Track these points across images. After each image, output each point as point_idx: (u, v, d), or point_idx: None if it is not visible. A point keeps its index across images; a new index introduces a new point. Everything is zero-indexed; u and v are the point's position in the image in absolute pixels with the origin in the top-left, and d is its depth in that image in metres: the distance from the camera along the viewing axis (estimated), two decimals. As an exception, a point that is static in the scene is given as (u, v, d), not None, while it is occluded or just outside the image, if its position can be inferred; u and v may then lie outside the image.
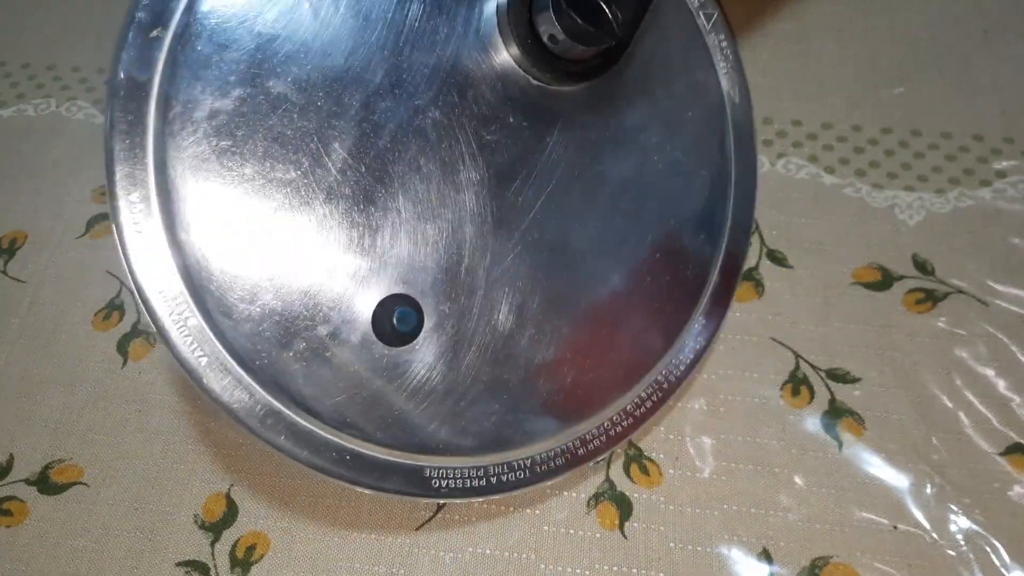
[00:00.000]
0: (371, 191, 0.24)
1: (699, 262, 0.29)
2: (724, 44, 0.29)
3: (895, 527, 0.32)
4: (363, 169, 0.24)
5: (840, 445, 0.33)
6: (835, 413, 0.34)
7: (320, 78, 0.23)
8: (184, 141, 0.22)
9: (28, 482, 0.34)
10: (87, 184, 0.42)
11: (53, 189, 0.42)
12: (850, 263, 0.38)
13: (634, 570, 0.31)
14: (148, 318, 0.23)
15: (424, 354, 0.25)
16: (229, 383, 0.24)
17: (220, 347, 0.23)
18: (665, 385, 0.28)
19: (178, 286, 0.23)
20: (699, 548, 0.31)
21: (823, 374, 0.35)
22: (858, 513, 0.32)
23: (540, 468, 0.27)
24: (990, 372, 0.35)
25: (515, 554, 0.31)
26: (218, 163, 0.23)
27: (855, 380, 0.35)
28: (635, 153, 0.28)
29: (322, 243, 0.24)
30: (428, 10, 0.25)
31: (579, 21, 0.24)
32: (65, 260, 0.40)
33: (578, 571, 0.31)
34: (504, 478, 0.27)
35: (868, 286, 0.37)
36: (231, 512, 0.33)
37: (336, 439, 0.25)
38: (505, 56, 0.25)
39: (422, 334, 0.25)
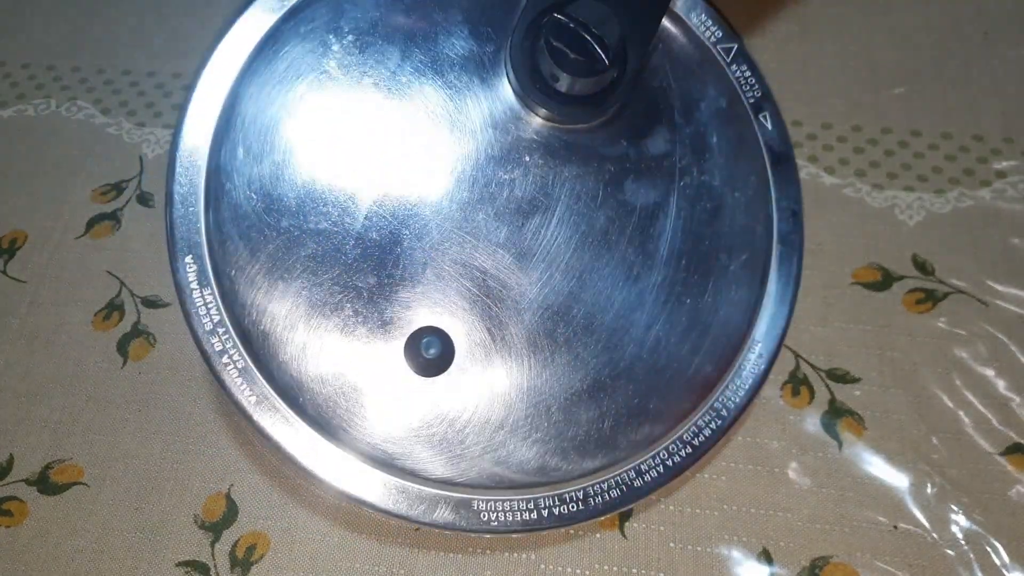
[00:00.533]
0: (397, 233, 0.26)
1: (746, 283, 0.27)
2: (748, 74, 0.29)
3: (895, 527, 0.32)
4: (388, 214, 0.26)
5: (840, 445, 0.33)
6: (835, 413, 0.34)
7: (345, 135, 0.26)
8: (227, 201, 0.25)
9: (28, 482, 0.34)
10: (87, 184, 0.42)
11: (53, 189, 0.42)
12: (850, 263, 0.38)
13: (634, 570, 0.31)
14: (204, 362, 0.25)
15: (459, 384, 0.26)
16: (277, 419, 0.25)
17: (267, 386, 0.25)
18: (724, 412, 0.27)
19: (230, 333, 0.25)
20: (699, 548, 0.31)
21: (823, 374, 0.35)
22: (858, 513, 0.32)
23: (594, 500, 0.26)
24: (990, 372, 0.35)
25: (515, 554, 0.31)
26: (258, 219, 0.25)
27: (855, 380, 0.35)
28: (660, 180, 0.27)
29: (353, 283, 0.25)
30: (435, 65, 0.27)
31: (570, 54, 0.25)
32: (65, 260, 0.40)
33: (578, 571, 0.31)
34: (556, 511, 0.26)
35: (868, 286, 0.37)
36: (231, 512, 0.33)
37: (380, 472, 0.25)
38: (513, 100, 0.27)
39: (455, 364, 0.26)
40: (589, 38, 0.25)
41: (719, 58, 0.28)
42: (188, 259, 0.26)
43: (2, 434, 0.35)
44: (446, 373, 0.26)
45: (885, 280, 0.37)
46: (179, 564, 0.32)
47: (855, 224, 0.39)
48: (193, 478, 0.33)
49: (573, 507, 0.26)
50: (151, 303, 0.38)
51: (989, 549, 0.31)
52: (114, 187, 0.42)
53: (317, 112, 0.26)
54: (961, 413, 0.34)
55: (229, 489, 0.33)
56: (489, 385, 0.26)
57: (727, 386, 0.27)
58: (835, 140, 0.42)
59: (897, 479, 0.33)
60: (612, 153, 0.27)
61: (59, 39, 0.48)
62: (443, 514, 0.25)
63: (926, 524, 0.32)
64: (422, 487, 0.25)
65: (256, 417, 0.25)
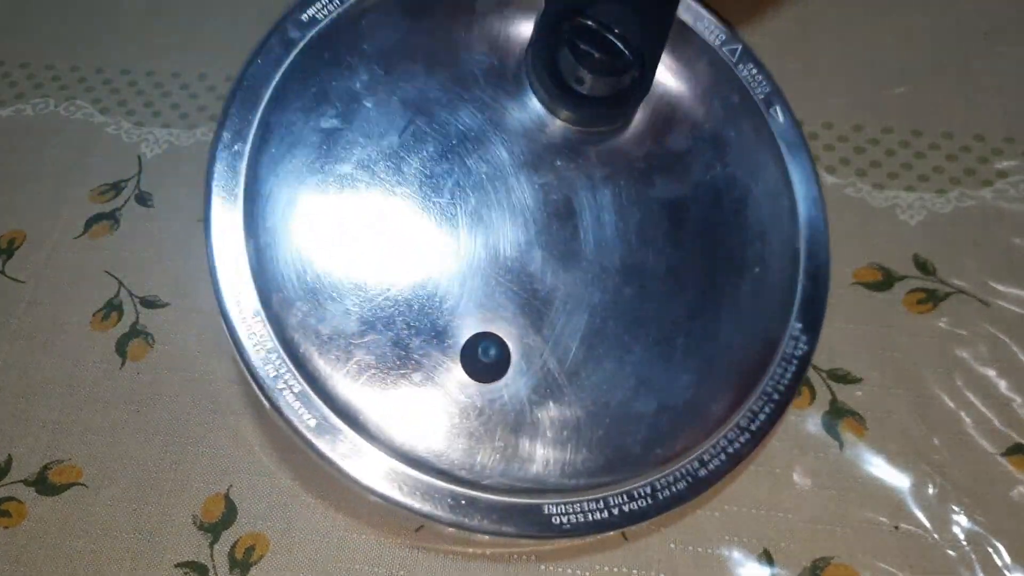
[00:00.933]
0: (440, 245, 0.26)
1: (779, 268, 0.28)
2: (755, 72, 0.30)
3: (896, 527, 0.31)
4: (429, 228, 0.26)
5: (841, 445, 0.33)
6: (836, 413, 0.34)
7: (379, 155, 0.26)
8: (265, 226, 0.26)
9: (26, 483, 0.34)
10: (85, 184, 0.42)
11: (51, 189, 0.42)
12: (851, 263, 0.38)
13: (634, 571, 0.31)
14: (257, 391, 0.25)
15: (517, 387, 0.26)
16: (337, 440, 0.25)
17: (325, 408, 0.25)
18: (776, 396, 0.27)
19: (281, 356, 0.25)
20: (700, 549, 0.31)
21: (824, 374, 0.35)
22: (859, 513, 0.32)
23: (662, 495, 0.26)
24: (991, 372, 0.35)
25: (516, 554, 0.31)
26: (301, 239, 0.26)
27: (856, 380, 0.35)
28: (686, 175, 0.28)
29: (402, 298, 0.26)
30: (462, 83, 0.27)
31: (597, 55, 0.26)
32: (63, 260, 0.39)
33: (579, 572, 0.31)
34: (626, 508, 0.26)
35: (869, 286, 0.37)
36: (230, 513, 0.33)
37: (448, 485, 0.25)
38: (538, 107, 0.27)
39: (512, 368, 0.26)
40: (612, 38, 0.26)
41: (726, 60, 0.29)
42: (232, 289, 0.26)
43: (0, 434, 0.35)
44: (504, 378, 0.26)
45: (886, 280, 0.37)
46: (178, 565, 0.32)
47: (856, 224, 0.39)
48: (192, 479, 0.33)
49: (643, 503, 0.26)
50: (150, 303, 0.38)
51: (991, 550, 0.31)
52: (112, 187, 0.42)
53: (353, 129, 0.27)
54: (962, 413, 0.34)
55: (228, 490, 0.33)
56: (547, 386, 0.26)
57: (774, 369, 0.27)
58: (836, 139, 0.42)
59: (898, 480, 0.32)
60: (638, 152, 0.28)
61: (57, 39, 0.48)
62: (515, 522, 0.25)
63: (927, 525, 0.31)
64: (491, 496, 0.25)
65: (317, 442, 0.25)
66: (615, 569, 0.31)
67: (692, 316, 0.27)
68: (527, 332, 0.26)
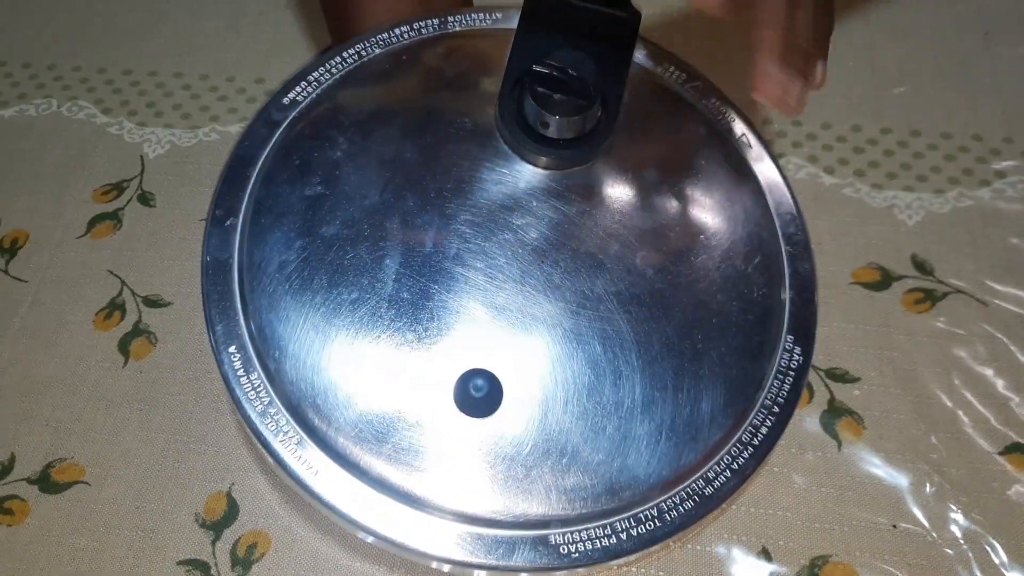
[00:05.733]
0: (426, 289, 0.27)
1: (763, 283, 0.28)
2: (717, 104, 0.31)
3: (894, 526, 0.32)
4: (415, 274, 0.27)
5: (839, 444, 0.33)
6: (834, 413, 0.34)
7: (362, 214, 0.28)
8: (262, 291, 0.27)
9: (29, 481, 0.34)
10: (88, 184, 0.42)
11: (54, 189, 0.42)
12: (849, 263, 0.38)
13: (633, 569, 0.31)
14: (259, 446, 0.26)
15: (512, 419, 0.26)
16: (340, 487, 0.26)
17: (327, 458, 0.26)
18: (775, 409, 0.27)
19: (281, 411, 0.26)
20: (699, 547, 0.31)
21: (822, 374, 0.35)
22: (857, 512, 0.32)
23: (669, 516, 0.26)
24: (989, 372, 0.35)
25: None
26: (293, 300, 0.27)
27: (854, 380, 0.35)
28: (660, 204, 0.29)
29: (394, 344, 0.26)
30: (436, 141, 0.29)
31: (555, 96, 0.27)
32: (66, 260, 0.40)
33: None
34: (634, 532, 0.26)
35: (867, 286, 0.37)
36: (232, 511, 0.33)
37: (450, 522, 0.25)
38: (511, 154, 0.28)
39: (506, 400, 0.26)
40: (569, 81, 0.27)
41: (688, 97, 0.31)
42: (232, 349, 0.27)
43: (3, 433, 0.35)
44: (498, 410, 0.26)
45: (884, 280, 0.37)
46: (180, 563, 0.32)
47: (854, 224, 0.39)
48: (194, 477, 0.34)
49: (650, 525, 0.26)
50: (152, 302, 0.38)
51: (988, 548, 0.31)
52: (115, 187, 0.42)
53: (336, 194, 0.28)
54: (960, 413, 0.34)
55: (230, 488, 0.33)
56: (543, 415, 0.26)
57: (771, 382, 0.27)
58: (835, 140, 0.42)
59: (896, 478, 0.33)
60: (611, 187, 0.29)
61: (60, 39, 0.48)
62: (523, 555, 0.25)
63: (925, 523, 0.32)
64: (496, 531, 0.25)
65: (318, 489, 0.25)
66: (614, 568, 0.31)
67: (682, 337, 0.27)
68: (518, 365, 0.26)
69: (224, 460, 0.34)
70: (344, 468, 0.26)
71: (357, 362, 0.26)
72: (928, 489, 0.32)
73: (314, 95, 0.30)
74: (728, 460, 0.26)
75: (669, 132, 0.31)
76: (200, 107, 0.45)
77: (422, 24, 0.32)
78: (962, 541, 0.31)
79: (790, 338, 0.28)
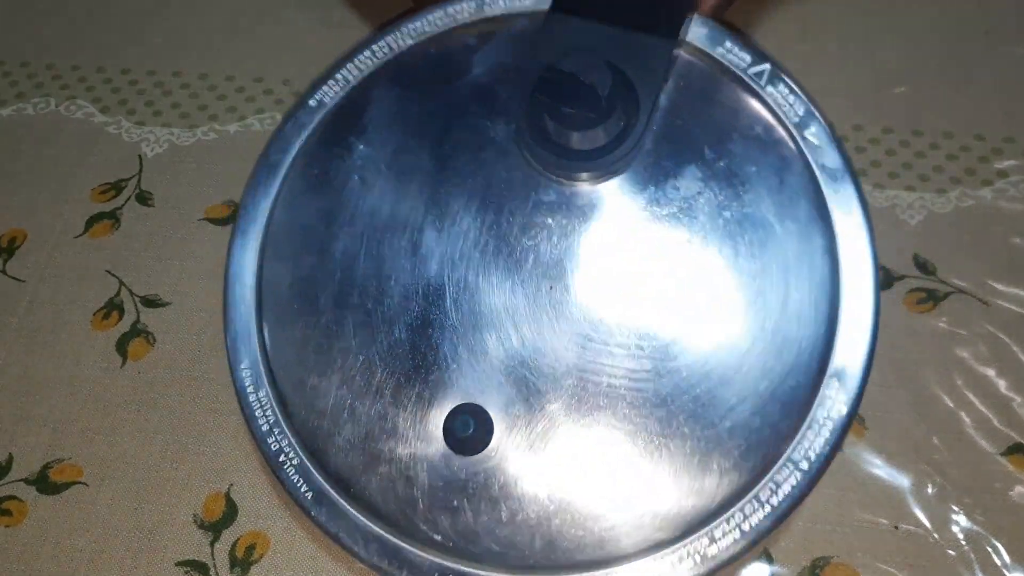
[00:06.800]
0: (426, 314, 0.26)
1: (810, 318, 0.25)
2: (785, 93, 0.27)
3: (896, 527, 0.32)
4: (418, 296, 0.26)
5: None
6: (836, 413, 0.34)
7: (377, 232, 0.27)
8: (273, 307, 0.27)
9: (27, 482, 0.34)
10: (86, 183, 0.42)
11: (52, 188, 0.42)
12: (851, 263, 0.38)
13: None
14: (264, 460, 0.26)
15: (501, 460, 0.25)
16: (332, 512, 0.25)
17: (322, 481, 0.26)
18: (803, 465, 0.24)
19: (284, 432, 0.26)
20: (700, 548, 0.31)
21: (824, 374, 0.35)
22: (859, 513, 0.32)
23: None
24: (991, 372, 0.35)
25: (515, 554, 0.31)
26: (301, 318, 0.27)
27: (856, 380, 0.35)
28: (694, 222, 0.26)
29: (389, 370, 0.26)
30: (456, 150, 0.27)
31: (564, 108, 0.25)
32: (64, 259, 0.39)
33: (578, 571, 0.31)
34: None
35: (869, 286, 0.37)
36: (231, 512, 0.33)
37: (435, 559, 0.25)
38: (528, 165, 0.27)
39: (496, 440, 0.25)
40: (581, 88, 0.24)
41: (751, 83, 0.27)
42: (244, 365, 0.27)
43: (1, 433, 0.35)
44: (487, 450, 0.25)
45: (886, 280, 0.37)
46: (179, 564, 0.32)
47: (856, 223, 0.39)
48: (192, 477, 0.33)
49: None
50: (150, 302, 0.38)
51: (990, 549, 0.31)
52: (113, 186, 0.42)
53: (347, 208, 0.27)
54: (962, 413, 0.34)
55: (229, 489, 0.33)
56: (533, 459, 0.25)
57: (803, 434, 0.24)
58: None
59: (898, 479, 0.32)
60: (638, 201, 0.26)
61: (58, 38, 0.48)
62: None
63: (927, 524, 0.32)
64: (478, 571, 0.25)
65: (313, 512, 0.25)
66: None
67: (701, 377, 0.25)
68: (513, 402, 0.25)
69: (223, 461, 0.34)
70: (337, 493, 0.25)
71: (353, 388, 0.26)
72: (930, 490, 0.32)
73: (342, 95, 0.29)
74: (740, 518, 0.24)
75: (714, 133, 0.27)
76: (199, 106, 0.44)
77: (457, 9, 0.29)
78: (964, 542, 0.31)
79: (834, 384, 0.24)
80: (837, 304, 0.25)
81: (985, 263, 0.37)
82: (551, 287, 0.26)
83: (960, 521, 0.32)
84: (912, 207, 0.39)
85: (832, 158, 0.26)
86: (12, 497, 0.33)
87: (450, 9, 0.30)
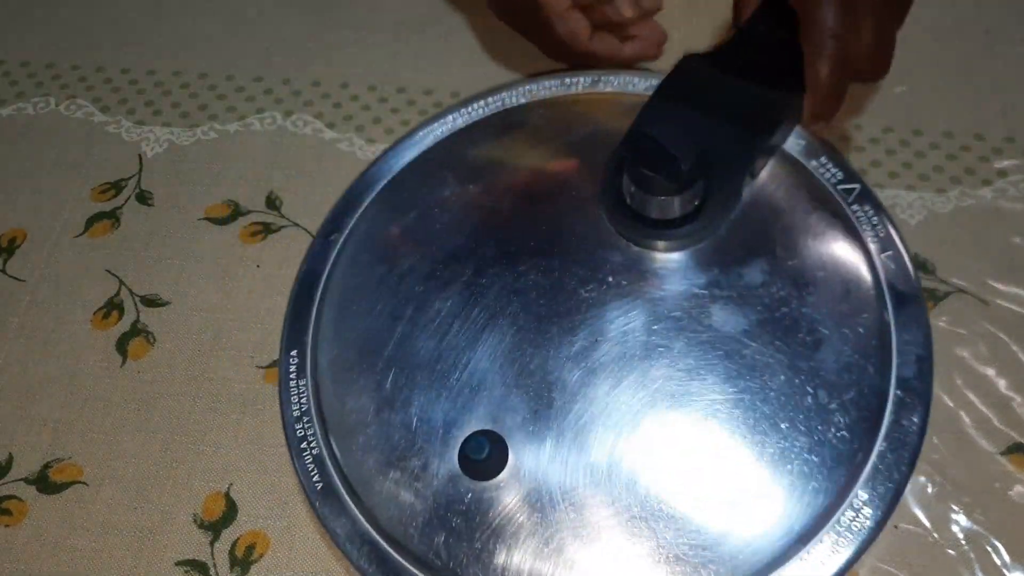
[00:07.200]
0: (474, 341, 0.27)
1: (850, 425, 0.25)
2: (871, 214, 0.28)
3: (896, 526, 0.31)
4: (466, 323, 0.27)
5: (841, 445, 0.33)
6: (836, 413, 0.34)
7: (442, 255, 0.28)
8: (331, 306, 0.29)
9: (27, 481, 0.34)
10: (86, 183, 0.42)
11: (52, 188, 0.42)
12: (851, 262, 0.38)
13: None
14: (286, 441, 0.27)
15: (508, 491, 0.25)
16: (335, 508, 0.26)
17: (335, 475, 0.26)
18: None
19: (312, 421, 0.27)
20: (699, 548, 0.31)
21: (824, 373, 0.35)
22: (859, 513, 0.32)
23: None
24: (991, 371, 0.35)
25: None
26: (351, 321, 0.28)
27: (856, 379, 0.35)
28: (751, 308, 0.26)
29: (424, 384, 0.27)
30: (535, 199, 0.29)
31: (645, 171, 0.25)
32: (64, 259, 0.39)
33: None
34: None
35: (869, 285, 0.37)
36: (230, 511, 0.33)
37: (419, 572, 0.25)
38: (606, 225, 0.28)
39: (507, 471, 0.25)
40: (663, 155, 0.25)
41: (838, 198, 0.28)
42: (293, 353, 0.28)
43: (1, 433, 0.35)
44: (498, 479, 0.25)
45: (886, 279, 0.37)
46: (178, 563, 0.32)
47: (856, 223, 0.39)
48: (192, 477, 0.33)
49: None
50: (150, 302, 0.38)
51: (990, 549, 0.31)
52: (113, 185, 0.42)
53: (422, 228, 0.29)
54: (962, 413, 0.34)
55: (228, 488, 0.33)
56: (540, 497, 0.25)
57: (819, 538, 0.24)
58: (836, 139, 0.42)
59: (898, 479, 0.32)
60: (701, 279, 0.27)
61: (58, 37, 0.48)
62: None
63: (927, 524, 0.32)
64: None
65: (318, 504, 0.26)
66: None
67: (724, 462, 0.24)
68: (532, 439, 0.25)
69: (223, 460, 0.34)
70: (345, 490, 0.26)
71: (383, 396, 0.27)
72: (930, 489, 0.32)
73: (445, 135, 0.31)
74: None
75: (792, 232, 0.27)
76: (198, 106, 0.44)
77: (574, 80, 0.32)
78: (964, 542, 0.31)
79: (863, 496, 0.24)
80: (877, 427, 0.25)
81: (985, 263, 0.37)
82: (596, 341, 0.26)
83: (960, 521, 0.32)
84: (912, 207, 0.39)
85: (906, 283, 0.27)
86: (12, 497, 0.33)
87: (567, 80, 0.32)
